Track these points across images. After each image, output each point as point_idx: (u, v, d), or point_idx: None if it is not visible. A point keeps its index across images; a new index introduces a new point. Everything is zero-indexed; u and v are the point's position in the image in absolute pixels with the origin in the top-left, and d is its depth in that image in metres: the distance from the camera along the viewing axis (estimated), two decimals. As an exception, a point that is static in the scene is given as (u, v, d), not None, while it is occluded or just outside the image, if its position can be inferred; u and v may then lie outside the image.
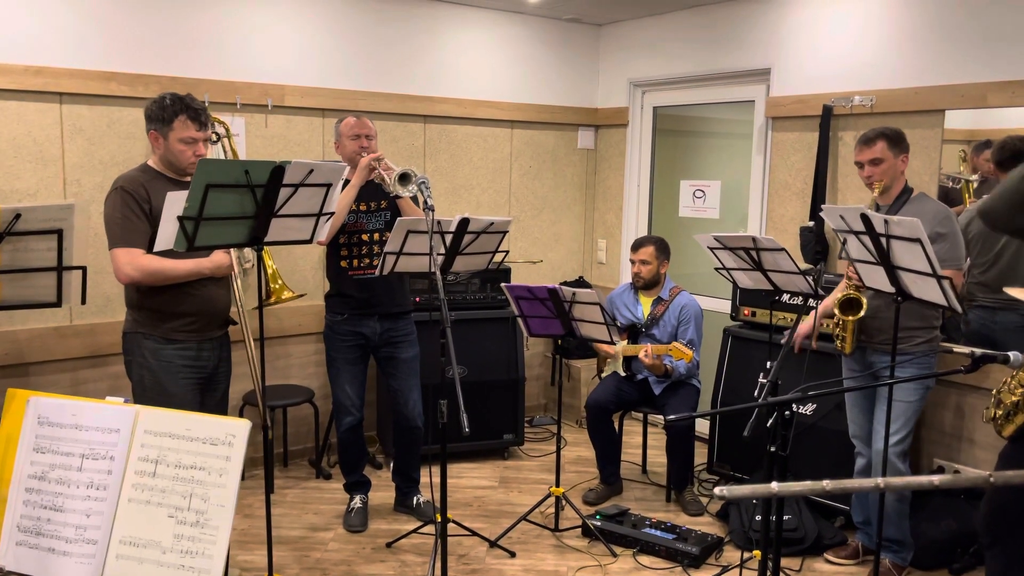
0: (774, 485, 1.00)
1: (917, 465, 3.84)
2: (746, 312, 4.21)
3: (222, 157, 3.86)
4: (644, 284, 4.19)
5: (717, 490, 0.99)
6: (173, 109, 2.77)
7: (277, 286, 3.52)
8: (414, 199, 3.45)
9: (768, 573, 2.48)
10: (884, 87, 3.93)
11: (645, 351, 3.92)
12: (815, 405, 3.84)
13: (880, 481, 0.96)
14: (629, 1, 4.77)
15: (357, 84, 4.52)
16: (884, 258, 2.53)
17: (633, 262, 4.21)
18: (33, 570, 1.49)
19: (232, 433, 1.49)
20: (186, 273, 2.78)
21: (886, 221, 2.41)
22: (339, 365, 3.63)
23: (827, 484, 0.94)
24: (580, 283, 5.50)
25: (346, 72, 4.49)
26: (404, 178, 3.19)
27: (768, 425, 2.29)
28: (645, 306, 4.22)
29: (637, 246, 4.21)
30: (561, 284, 3.57)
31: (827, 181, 4.15)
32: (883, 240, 2.47)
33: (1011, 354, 2.23)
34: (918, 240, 2.33)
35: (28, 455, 1.53)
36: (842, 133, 4.13)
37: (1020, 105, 3.49)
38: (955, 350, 2.25)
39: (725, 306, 4.46)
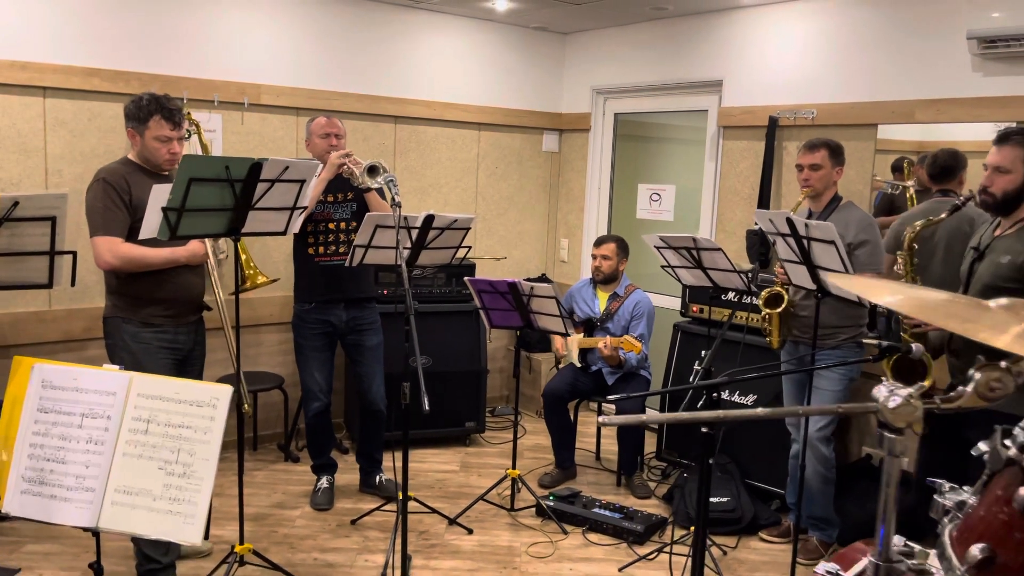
0: (642, 415, 1.22)
1: (847, 452, 4.14)
2: (694, 309, 4.48)
3: (197, 150, 4.03)
4: (603, 279, 4.45)
5: (600, 419, 1.20)
6: (149, 109, 2.94)
7: (251, 271, 3.70)
8: (380, 192, 3.66)
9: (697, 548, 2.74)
10: (824, 101, 4.22)
11: (605, 342, 4.17)
12: (755, 396, 4.12)
13: (720, 413, 1.20)
14: (593, 12, 5.02)
15: (331, 85, 4.72)
16: (806, 258, 2.80)
17: (595, 256, 4.46)
18: (37, 515, 1.69)
19: (216, 396, 1.70)
20: (162, 261, 2.96)
21: (806, 224, 2.69)
22: (307, 352, 3.83)
23: (684, 415, 1.18)
24: (543, 280, 5.75)
25: (320, 73, 4.69)
26: (372, 170, 3.41)
27: (699, 406, 2.54)
28: (602, 301, 4.47)
29: (600, 242, 4.47)
30: (524, 280, 3.80)
31: (772, 188, 4.44)
32: (804, 242, 2.75)
33: (913, 346, 2.51)
34: (833, 242, 2.61)
35: (33, 414, 1.73)
36: (786, 143, 4.42)
37: (944, 121, 3.81)
38: (865, 342, 2.52)
39: (676, 303, 4.73)
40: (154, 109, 2.94)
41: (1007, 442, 1.14)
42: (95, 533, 1.72)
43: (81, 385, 1.73)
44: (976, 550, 1.12)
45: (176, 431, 1.69)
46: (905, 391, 0.96)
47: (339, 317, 3.80)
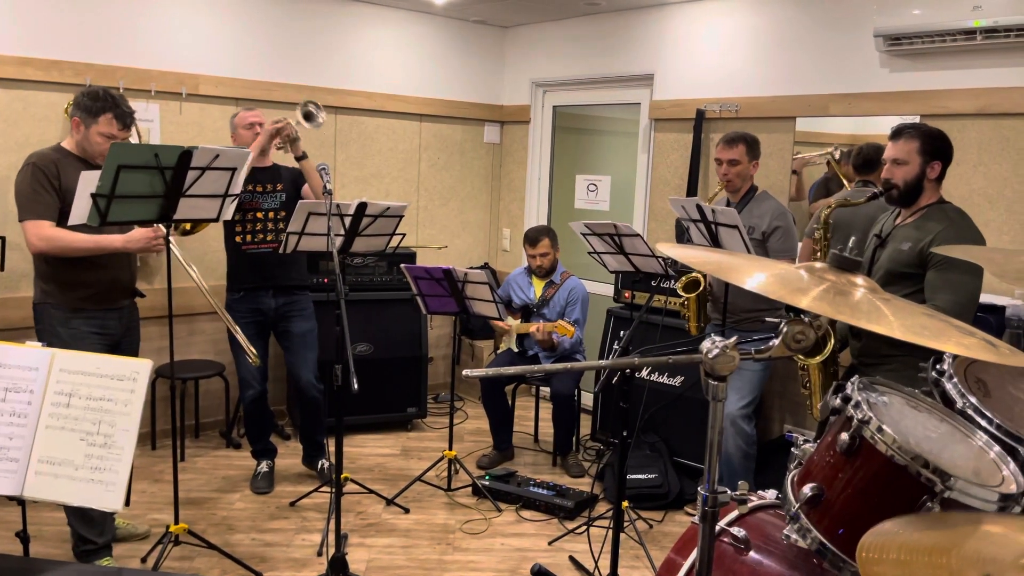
0: (502, 368, 1.35)
1: (769, 430, 4.35)
2: (627, 295, 4.65)
3: (133, 139, 4.05)
4: (544, 273, 4.58)
5: (465, 372, 1.32)
6: (104, 105, 2.97)
7: None
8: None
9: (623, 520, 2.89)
10: (747, 95, 4.42)
11: (537, 327, 4.32)
12: (683, 377, 4.30)
13: (561, 366, 1.33)
14: (531, 6, 5.15)
15: (270, 75, 4.77)
16: (714, 240, 2.97)
17: (533, 256, 4.56)
18: (-39, 486, 1.76)
19: (136, 371, 1.79)
20: (91, 245, 2.96)
21: (713, 211, 2.86)
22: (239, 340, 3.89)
23: (544, 366, 1.32)
24: (485, 269, 5.86)
25: (259, 63, 4.73)
26: (308, 116, 3.46)
27: (613, 382, 2.69)
28: (537, 288, 4.61)
29: (535, 241, 4.54)
30: (468, 269, 3.92)
31: (699, 178, 4.63)
32: (712, 227, 2.91)
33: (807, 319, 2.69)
34: (736, 227, 2.77)
35: (-44, 390, 1.80)
36: (713, 135, 4.60)
37: (856, 115, 4.01)
38: (768, 319, 2.68)
39: (610, 290, 4.90)
40: (109, 107, 2.97)
41: (836, 395, 1.30)
42: (20, 502, 1.80)
43: (4, 361, 1.80)
44: (807, 489, 1.27)
45: (97, 404, 1.78)
46: (722, 343, 1.11)
47: (268, 304, 3.89)
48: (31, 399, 1.78)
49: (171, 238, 3.14)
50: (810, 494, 1.25)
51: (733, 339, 1.14)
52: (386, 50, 5.28)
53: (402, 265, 4.00)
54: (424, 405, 5.06)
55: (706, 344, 1.11)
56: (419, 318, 4.96)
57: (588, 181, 5.46)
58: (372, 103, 5.22)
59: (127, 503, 1.72)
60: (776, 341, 1.15)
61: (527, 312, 4.60)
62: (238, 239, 3.81)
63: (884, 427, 1.23)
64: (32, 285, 3.13)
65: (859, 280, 1.17)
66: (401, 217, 3.62)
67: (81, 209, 2.65)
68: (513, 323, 4.55)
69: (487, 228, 6.05)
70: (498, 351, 4.78)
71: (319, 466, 4.16)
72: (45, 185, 2.92)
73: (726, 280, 1.10)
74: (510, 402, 4.65)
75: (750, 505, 1.43)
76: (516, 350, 4.58)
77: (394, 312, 4.93)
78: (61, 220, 2.90)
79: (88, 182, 2.62)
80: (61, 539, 3.29)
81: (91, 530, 3.02)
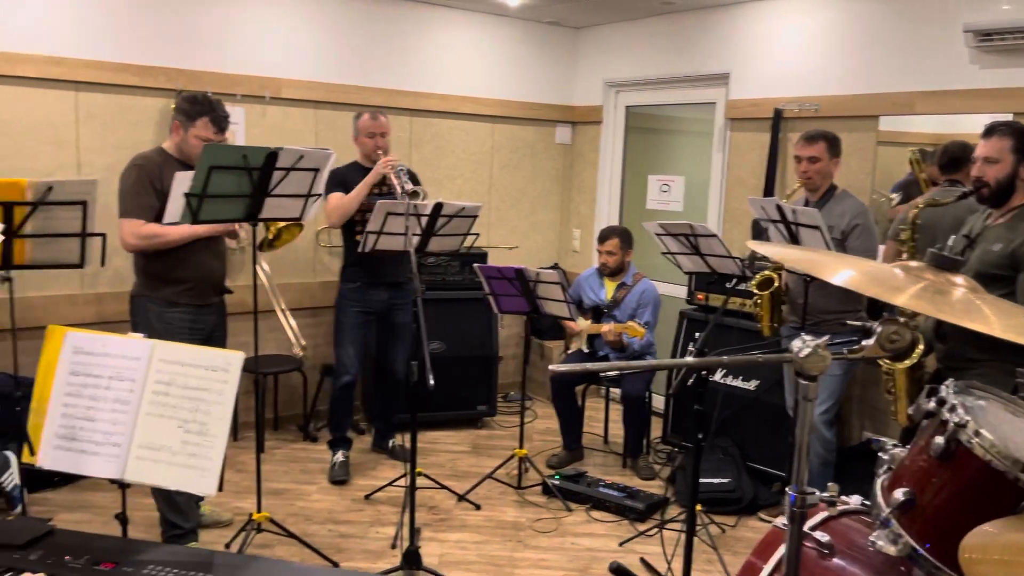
0: (588, 364, 1.36)
1: (848, 436, 4.24)
2: (700, 296, 4.60)
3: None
4: (610, 272, 4.58)
5: (551, 367, 1.32)
6: (200, 109, 3.13)
7: (275, 227, 3.93)
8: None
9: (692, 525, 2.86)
10: (827, 93, 4.31)
11: (608, 328, 4.31)
12: (758, 381, 4.23)
13: (636, 363, 1.32)
14: (605, 7, 5.14)
15: (349, 79, 4.89)
16: (794, 241, 2.92)
17: (600, 252, 4.59)
18: (68, 468, 1.87)
19: (229, 362, 1.87)
20: (180, 236, 3.09)
21: (793, 211, 2.81)
22: (346, 328, 4.13)
23: (626, 363, 1.32)
24: (555, 270, 5.87)
25: (339, 67, 4.86)
26: (413, 195, 3.58)
27: (689, 384, 2.67)
28: (609, 289, 4.61)
29: (604, 238, 4.59)
30: (540, 269, 3.95)
31: (776, 178, 4.54)
32: (792, 227, 2.86)
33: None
34: (817, 227, 2.72)
35: (65, 377, 1.91)
36: (791, 135, 4.51)
37: (944, 112, 3.88)
38: (849, 323, 2.63)
39: (683, 291, 4.85)
40: (206, 111, 3.13)
41: (929, 398, 1.27)
42: (121, 485, 1.90)
43: (109, 351, 1.91)
44: (899, 494, 1.25)
45: (194, 393, 1.86)
46: (814, 342, 1.10)
47: (380, 297, 4.14)
48: (133, 387, 1.88)
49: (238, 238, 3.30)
50: (902, 499, 1.23)
51: (825, 338, 1.12)
52: (461, 52, 5.35)
53: (475, 265, 4.04)
54: (495, 404, 5.10)
55: (796, 343, 1.10)
56: (490, 317, 5.00)
57: (661, 181, 5.42)
58: (447, 105, 5.29)
59: (220, 488, 1.81)
60: (870, 341, 1.13)
61: (598, 313, 4.59)
62: (358, 238, 3.92)
63: (982, 431, 1.19)
64: (127, 282, 3.29)
65: (959, 279, 1.14)
66: (476, 217, 3.68)
67: (175, 208, 2.77)
68: (584, 324, 4.55)
69: (557, 229, 6.07)
70: (568, 351, 4.79)
71: (390, 444, 4.40)
72: (147, 186, 3.06)
73: (818, 277, 1.09)
74: (580, 402, 4.65)
75: (839, 509, 1.41)
76: (587, 350, 4.57)
77: (466, 311, 4.99)
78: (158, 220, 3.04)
79: (181, 182, 2.74)
80: (149, 524, 3.44)
81: (178, 516, 3.15)
